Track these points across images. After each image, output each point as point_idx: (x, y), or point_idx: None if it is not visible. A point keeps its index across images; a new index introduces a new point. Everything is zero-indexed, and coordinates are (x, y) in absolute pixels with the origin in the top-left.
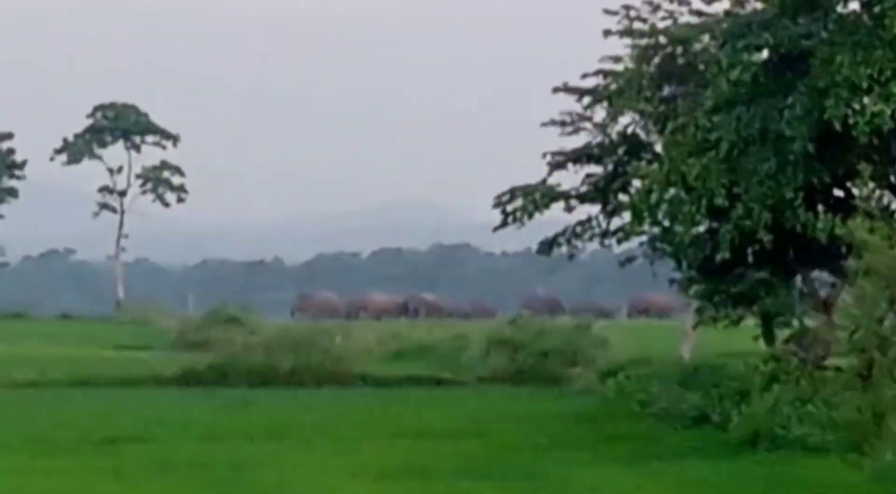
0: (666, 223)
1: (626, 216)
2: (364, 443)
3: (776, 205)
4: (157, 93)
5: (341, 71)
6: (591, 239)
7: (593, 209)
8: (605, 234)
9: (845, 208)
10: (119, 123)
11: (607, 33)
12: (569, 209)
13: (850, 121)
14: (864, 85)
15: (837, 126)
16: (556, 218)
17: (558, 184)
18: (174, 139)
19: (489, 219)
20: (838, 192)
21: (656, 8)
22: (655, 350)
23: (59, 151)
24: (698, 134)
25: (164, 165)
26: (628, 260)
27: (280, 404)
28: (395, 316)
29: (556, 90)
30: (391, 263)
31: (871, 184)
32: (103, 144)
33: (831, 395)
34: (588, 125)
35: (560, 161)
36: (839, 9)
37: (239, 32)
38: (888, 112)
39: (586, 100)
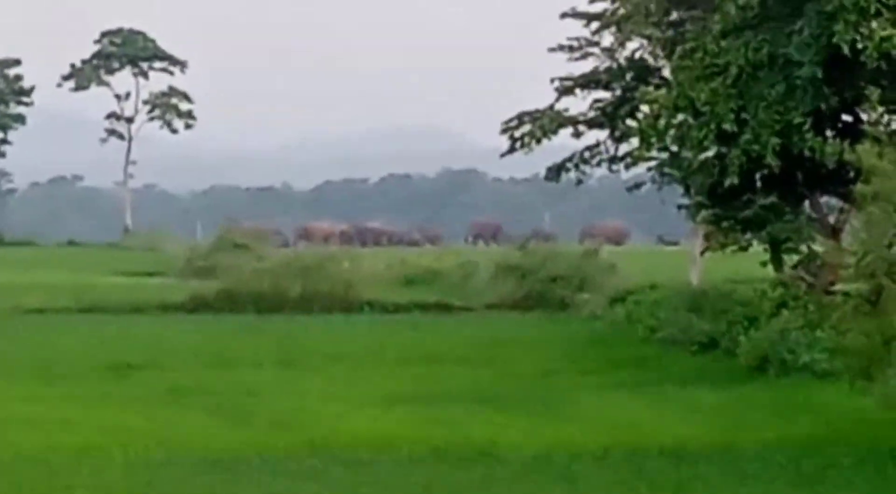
0: (674, 148)
1: (634, 141)
2: (372, 369)
3: (784, 130)
4: (164, 19)
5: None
6: (598, 164)
7: (601, 134)
8: (612, 160)
9: (854, 133)
10: (126, 49)
11: None
12: (577, 135)
13: (859, 45)
14: (873, 9)
15: (846, 50)
16: (563, 143)
17: (566, 110)
18: (182, 65)
19: (497, 144)
20: (847, 117)
21: None
22: (664, 276)
23: (66, 78)
24: (706, 59)
25: (172, 91)
26: (636, 185)
27: (288, 330)
28: (340, 245)
29: (563, 15)
30: (399, 189)
31: (880, 109)
32: (111, 71)
33: (839, 321)
34: (596, 50)
35: (568, 86)
36: None
37: None
38: None
39: (594, 25)
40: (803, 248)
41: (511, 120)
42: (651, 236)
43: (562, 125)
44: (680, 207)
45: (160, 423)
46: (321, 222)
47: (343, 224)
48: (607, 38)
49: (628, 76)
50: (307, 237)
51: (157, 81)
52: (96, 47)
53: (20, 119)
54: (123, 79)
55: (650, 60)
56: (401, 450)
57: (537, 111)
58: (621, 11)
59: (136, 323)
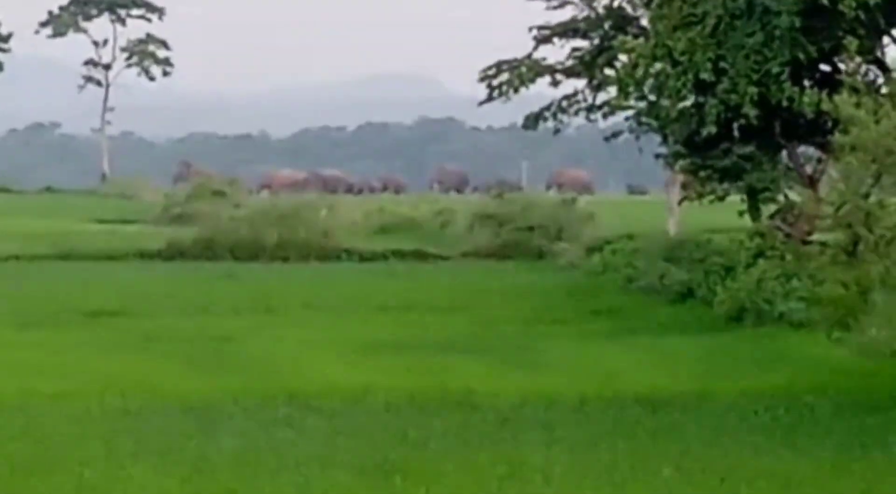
0: (652, 97)
1: (613, 90)
2: (349, 317)
3: (762, 80)
4: None
5: None
6: (576, 113)
7: (579, 83)
8: (590, 109)
9: (832, 83)
10: None
11: None
12: (555, 83)
13: None
14: None
15: (824, 0)
16: (541, 92)
17: (544, 59)
18: (160, 12)
19: (475, 93)
20: (825, 67)
21: None
22: (641, 225)
23: (43, 24)
24: (684, 8)
25: (150, 38)
26: (614, 134)
27: (265, 278)
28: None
29: None
30: (377, 137)
31: (858, 59)
32: (88, 17)
33: (816, 271)
34: None
35: (546, 35)
36: None
37: None
38: None
39: None
40: (780, 198)
41: (489, 68)
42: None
43: (540, 74)
44: (658, 156)
45: (136, 370)
46: (282, 171)
47: (303, 172)
48: None
49: (606, 25)
50: (269, 185)
51: (135, 28)
52: None
53: None
54: (101, 25)
55: (628, 9)
56: (377, 398)
57: (515, 60)
58: None
59: (112, 271)
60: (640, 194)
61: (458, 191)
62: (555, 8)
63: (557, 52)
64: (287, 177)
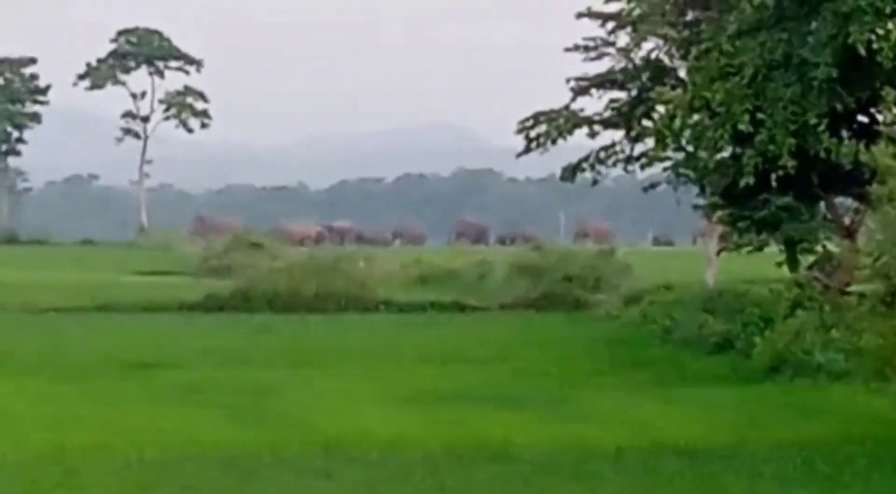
0: (690, 148)
1: (650, 142)
2: (387, 369)
3: (800, 131)
4: (180, 18)
5: None
6: (614, 164)
7: (617, 135)
8: (628, 160)
9: (869, 134)
10: (142, 48)
11: None
12: (592, 135)
13: (875, 46)
14: (888, 10)
15: (861, 51)
16: (579, 143)
17: (582, 110)
18: (197, 64)
19: (513, 144)
20: (862, 118)
21: None
22: (679, 276)
23: (82, 77)
24: (722, 59)
25: (188, 90)
26: (651, 186)
27: (303, 330)
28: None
29: (579, 15)
30: (415, 189)
31: (895, 110)
32: (126, 70)
33: (855, 321)
34: (611, 50)
35: (583, 86)
36: None
37: None
38: None
39: (610, 25)
40: (819, 249)
41: (527, 119)
42: (678, 236)
43: (577, 125)
44: (695, 207)
45: (174, 422)
46: (296, 224)
47: (315, 225)
48: (623, 38)
49: (644, 76)
50: (284, 238)
51: (173, 80)
52: (112, 46)
53: (36, 118)
54: (139, 78)
55: (666, 60)
56: (415, 450)
57: (553, 111)
58: (637, 11)
59: (150, 323)
60: (666, 245)
61: (479, 242)
62: (592, 59)
63: (595, 104)
64: (300, 230)
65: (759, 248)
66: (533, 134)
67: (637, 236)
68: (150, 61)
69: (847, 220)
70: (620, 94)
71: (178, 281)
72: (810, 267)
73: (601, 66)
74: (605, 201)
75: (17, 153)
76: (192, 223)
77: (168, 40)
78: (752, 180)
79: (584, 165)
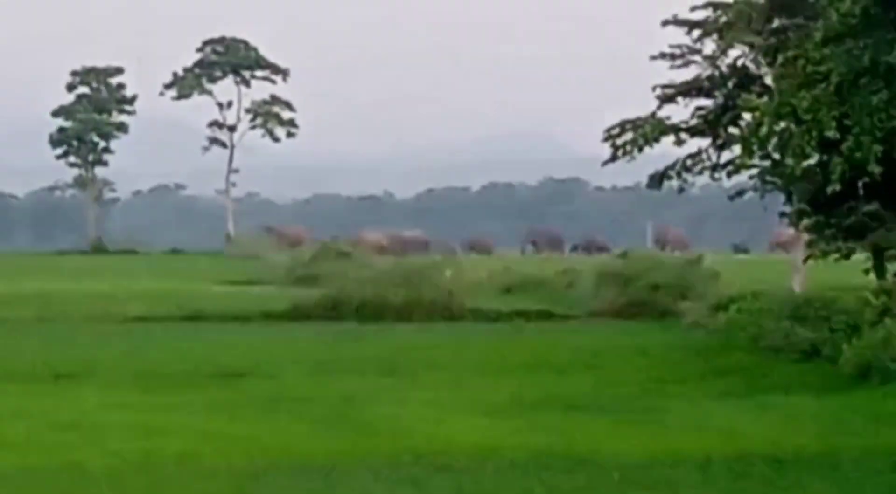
0: (776, 156)
1: (737, 149)
2: (475, 378)
3: (887, 137)
4: (267, 28)
5: (451, 4)
6: (701, 172)
7: (703, 142)
8: (715, 168)
9: None
10: (229, 58)
11: None
12: (679, 142)
13: None
14: None
15: None
16: (666, 151)
17: (668, 118)
18: (284, 73)
19: (599, 153)
20: None
21: None
22: (766, 284)
23: (168, 86)
24: (808, 66)
25: (274, 100)
26: (738, 193)
27: (391, 339)
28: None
29: (665, 23)
30: (501, 197)
31: None
32: (213, 79)
33: None
34: (698, 58)
35: (670, 94)
36: None
37: None
38: None
39: (696, 32)
40: None
41: (613, 128)
42: (756, 244)
43: (664, 133)
44: (782, 215)
45: (262, 430)
46: (367, 233)
47: (384, 234)
48: (709, 46)
49: (730, 84)
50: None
51: (260, 90)
52: (198, 56)
53: (123, 127)
54: (225, 87)
55: (752, 68)
56: (502, 457)
57: (639, 119)
58: (723, 19)
59: (238, 332)
60: (744, 253)
61: (554, 250)
62: (679, 67)
63: (681, 111)
64: (371, 239)
65: (846, 256)
66: (619, 142)
67: (721, 244)
68: (236, 71)
69: None
70: (707, 102)
71: (265, 290)
72: None
73: (687, 74)
74: (692, 209)
75: (104, 163)
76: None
77: (255, 50)
78: (838, 187)
79: (671, 173)
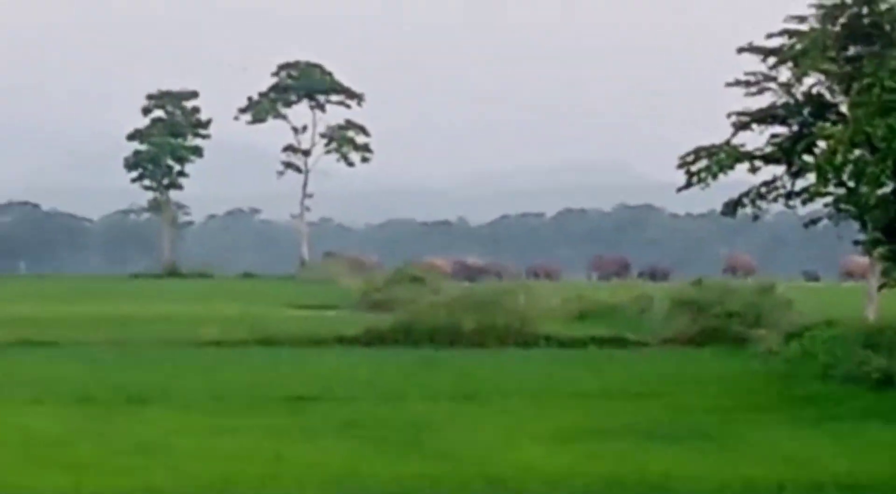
0: (851, 184)
1: (811, 177)
2: (547, 403)
3: None
4: (342, 52)
5: (529, 31)
6: (775, 200)
7: (778, 170)
8: (789, 195)
9: None
10: (303, 82)
11: None
12: (753, 170)
13: None
14: None
15: None
16: (740, 178)
17: (743, 145)
18: (359, 98)
19: (673, 179)
20: None
21: None
22: (840, 312)
23: (243, 110)
24: (884, 94)
25: (349, 124)
26: (812, 221)
27: (463, 364)
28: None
29: (740, 50)
30: (575, 224)
31: None
32: (287, 103)
33: None
34: (773, 85)
35: (744, 121)
36: None
37: None
38: None
39: (771, 60)
40: None
41: (688, 154)
42: (827, 271)
43: (738, 160)
44: (856, 243)
45: (336, 455)
46: (432, 259)
47: (447, 260)
48: (784, 73)
49: (805, 111)
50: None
51: (334, 114)
52: (273, 80)
53: (197, 151)
54: (300, 111)
55: (827, 95)
56: (576, 484)
57: (714, 146)
58: (798, 47)
59: (311, 356)
60: (814, 280)
61: (620, 276)
62: (753, 94)
63: (756, 139)
64: (435, 264)
65: None
66: (694, 169)
67: (793, 271)
68: (311, 95)
69: None
70: (781, 129)
71: (339, 314)
72: None
73: (762, 101)
74: (766, 236)
75: (179, 186)
76: (324, 258)
77: (330, 74)
78: None
79: (745, 200)
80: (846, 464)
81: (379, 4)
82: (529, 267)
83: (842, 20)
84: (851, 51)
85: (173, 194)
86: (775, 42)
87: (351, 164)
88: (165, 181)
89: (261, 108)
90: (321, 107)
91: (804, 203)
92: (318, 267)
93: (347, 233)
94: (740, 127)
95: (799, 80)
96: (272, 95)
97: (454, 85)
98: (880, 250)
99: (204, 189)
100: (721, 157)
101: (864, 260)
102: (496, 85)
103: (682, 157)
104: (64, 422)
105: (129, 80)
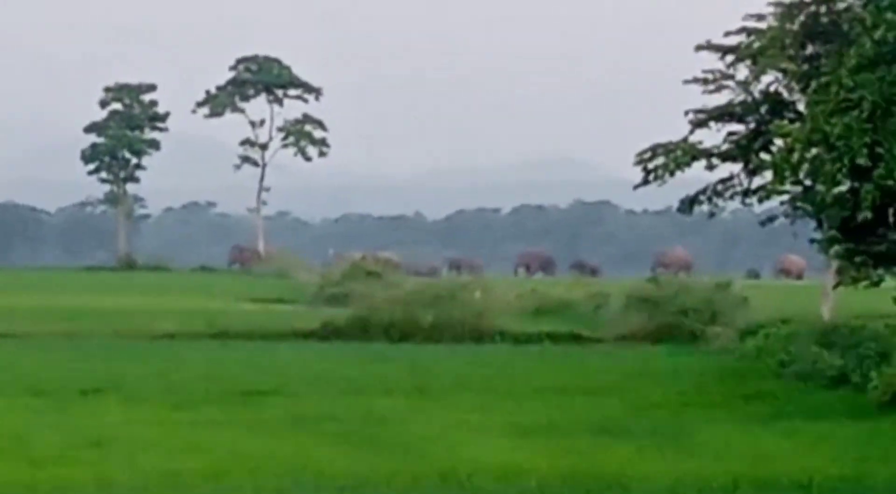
0: (807, 182)
1: (768, 175)
2: (502, 399)
3: None
4: (299, 47)
5: (487, 26)
6: (732, 197)
7: (735, 167)
8: (746, 193)
9: None
10: (261, 76)
11: None
12: (710, 167)
13: None
14: None
15: None
16: (697, 176)
17: (700, 142)
18: (316, 92)
19: (630, 176)
20: None
21: None
22: (795, 310)
23: (201, 104)
24: (841, 93)
25: (306, 119)
26: (769, 219)
27: (419, 359)
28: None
29: (698, 48)
30: (532, 220)
31: None
32: (245, 97)
33: None
34: (730, 83)
35: (702, 119)
36: None
37: None
38: None
39: (729, 58)
40: None
41: (645, 151)
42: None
43: (695, 157)
44: (812, 241)
45: (289, 450)
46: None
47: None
48: (742, 71)
49: (763, 109)
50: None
51: (292, 108)
52: (231, 74)
53: (154, 144)
54: (258, 105)
55: (785, 94)
56: (530, 480)
57: (671, 143)
58: (757, 45)
59: (266, 350)
60: (754, 278)
61: (544, 271)
62: (711, 92)
63: (713, 136)
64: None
65: (876, 283)
66: (651, 166)
67: (743, 270)
68: (269, 89)
69: None
70: (739, 127)
71: (294, 308)
72: None
73: (720, 99)
74: (722, 234)
75: (136, 179)
76: (229, 251)
77: (287, 68)
78: (869, 215)
79: (702, 198)
80: (800, 460)
81: (336, 3)
82: (452, 261)
83: (800, 19)
84: (810, 49)
85: (130, 187)
86: (734, 40)
87: (308, 159)
88: (122, 174)
89: (218, 102)
90: (279, 102)
91: (760, 201)
92: (274, 261)
93: (304, 227)
94: (698, 124)
95: (757, 78)
96: (230, 89)
97: (411, 81)
98: (836, 249)
99: (161, 182)
100: (678, 155)
101: (799, 259)
102: (454, 80)
103: (639, 154)
104: (17, 415)
105: (87, 73)
